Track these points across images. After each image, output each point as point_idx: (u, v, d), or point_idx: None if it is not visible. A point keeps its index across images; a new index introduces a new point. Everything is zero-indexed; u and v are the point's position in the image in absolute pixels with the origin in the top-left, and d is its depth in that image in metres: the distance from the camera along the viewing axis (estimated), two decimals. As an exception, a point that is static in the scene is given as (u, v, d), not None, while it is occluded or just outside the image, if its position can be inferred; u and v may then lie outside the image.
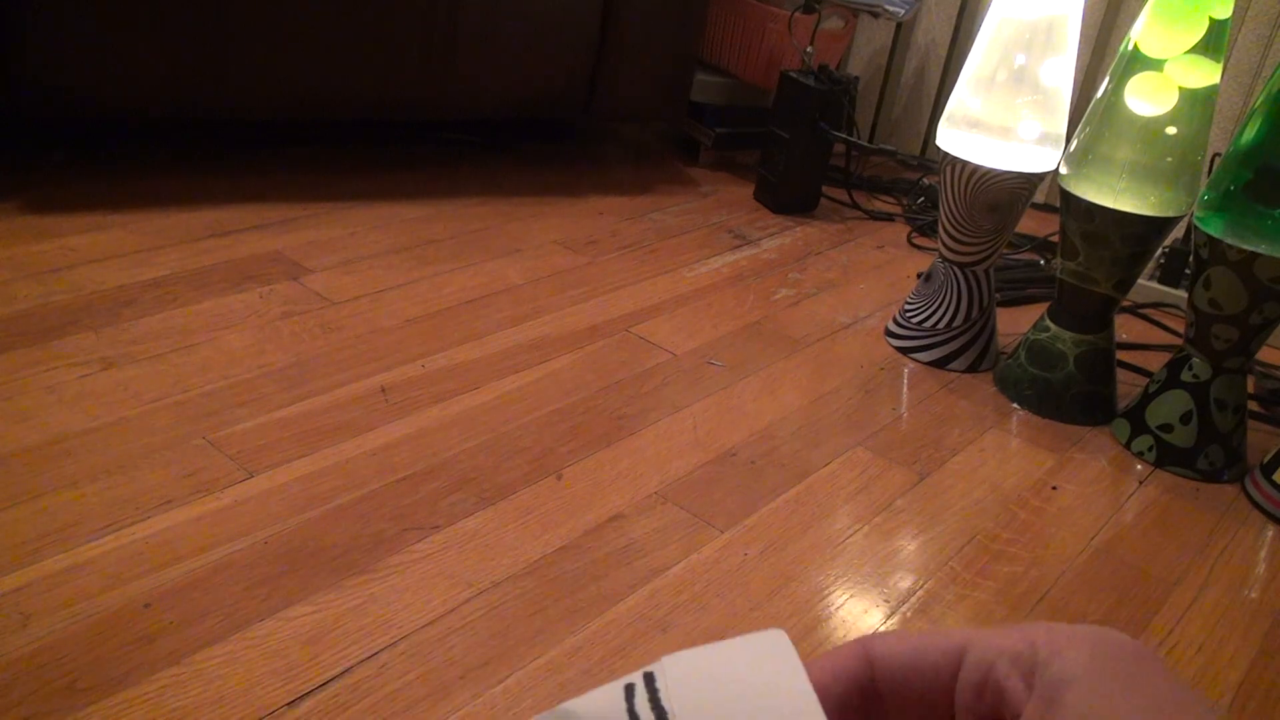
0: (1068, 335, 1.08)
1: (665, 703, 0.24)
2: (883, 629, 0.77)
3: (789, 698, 0.23)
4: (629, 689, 0.24)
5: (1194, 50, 0.95)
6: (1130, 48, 0.99)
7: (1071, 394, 1.08)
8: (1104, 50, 1.63)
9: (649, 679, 0.24)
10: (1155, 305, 1.39)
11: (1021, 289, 1.39)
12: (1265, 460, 1.01)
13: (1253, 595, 0.86)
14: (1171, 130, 0.98)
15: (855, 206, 1.61)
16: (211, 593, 0.70)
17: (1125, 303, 1.37)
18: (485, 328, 1.09)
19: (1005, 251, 1.45)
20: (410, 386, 0.97)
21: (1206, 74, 0.96)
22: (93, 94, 1.17)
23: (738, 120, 1.68)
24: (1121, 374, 1.15)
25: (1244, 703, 0.75)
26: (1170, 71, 0.96)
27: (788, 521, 0.87)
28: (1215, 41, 0.95)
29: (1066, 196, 1.04)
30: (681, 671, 0.24)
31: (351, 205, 1.33)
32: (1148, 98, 0.98)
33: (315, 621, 0.69)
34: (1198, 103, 0.97)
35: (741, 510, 0.87)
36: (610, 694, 0.24)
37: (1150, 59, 0.97)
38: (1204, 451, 1.01)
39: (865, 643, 0.25)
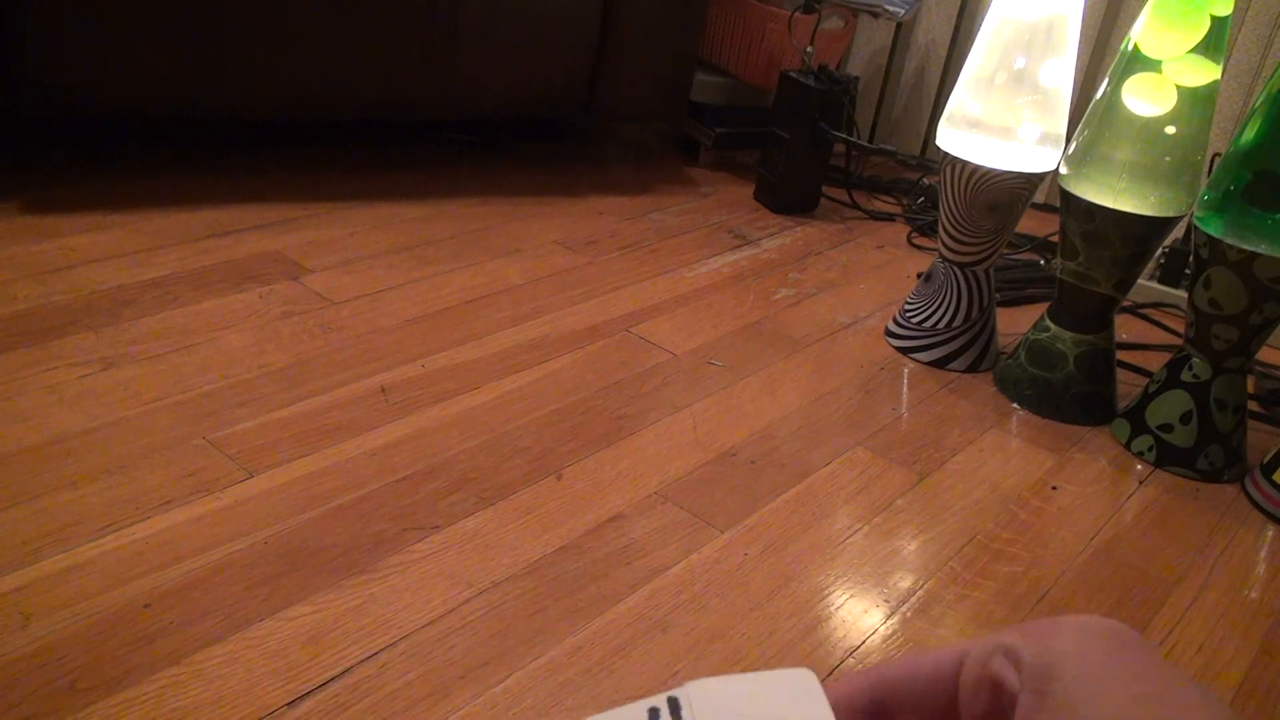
0: (1068, 335, 1.08)
1: None
2: (883, 629, 0.77)
3: None
4: (654, 713, 0.24)
5: (1194, 50, 0.95)
6: (1130, 48, 0.99)
7: (1071, 394, 1.08)
8: (1104, 50, 1.63)
9: (674, 706, 0.24)
10: (1155, 305, 1.39)
11: (1021, 289, 1.39)
12: (1265, 460, 1.01)
13: (1253, 595, 0.86)
14: (1171, 130, 0.98)
15: (855, 206, 1.61)
16: (211, 593, 0.70)
17: (1125, 303, 1.37)
18: (485, 328, 1.09)
19: (1005, 251, 1.45)
20: (410, 386, 0.97)
21: (1205, 73, 0.96)
22: (93, 94, 1.17)
23: (738, 120, 1.68)
24: (1121, 374, 1.15)
25: (1244, 703, 0.75)
26: (1168, 71, 0.96)
27: (788, 521, 0.87)
28: (1215, 40, 0.95)
29: (1066, 196, 1.04)
30: (707, 702, 0.24)
31: (351, 205, 1.33)
32: (1146, 98, 0.98)
33: (315, 621, 0.69)
34: (1197, 102, 0.97)
35: (741, 510, 0.87)
36: (635, 717, 0.24)
37: (1150, 59, 0.97)
38: (1204, 451, 1.01)
39: (871, 668, 0.26)
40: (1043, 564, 0.86)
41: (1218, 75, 0.96)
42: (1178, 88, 0.97)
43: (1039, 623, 0.24)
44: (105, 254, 1.11)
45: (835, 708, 0.25)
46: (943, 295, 1.15)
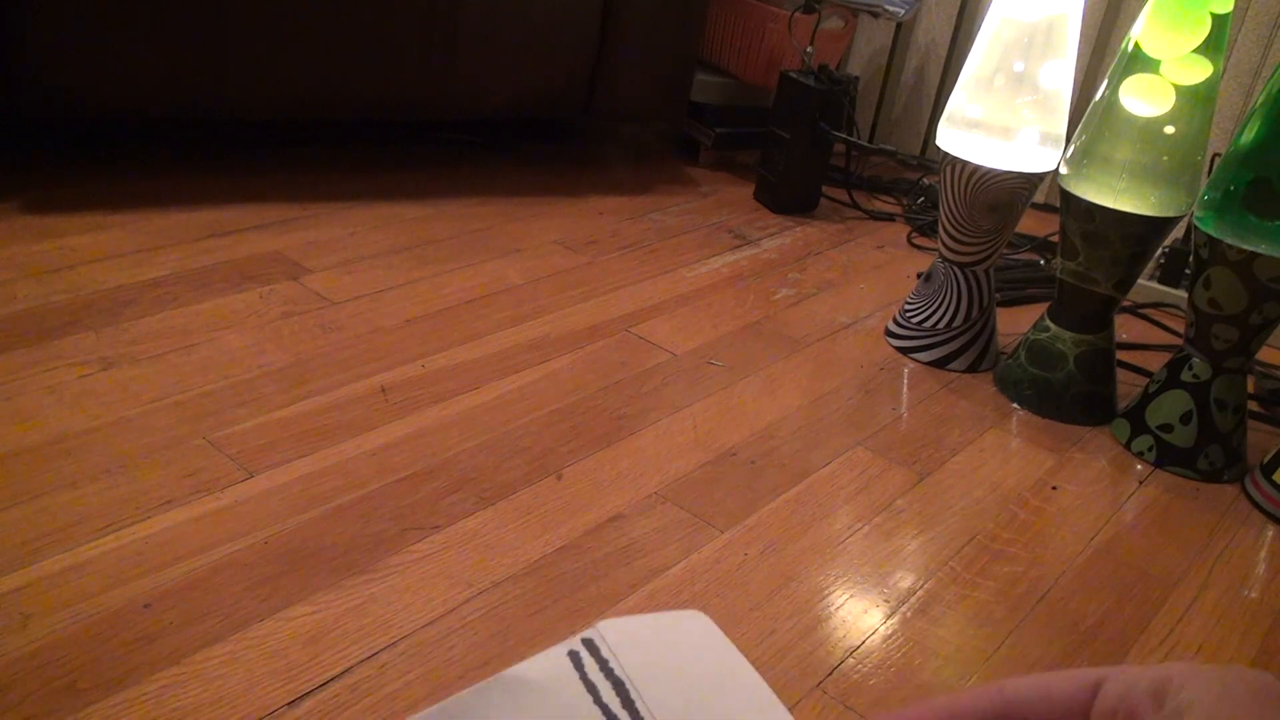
0: (1068, 335, 1.08)
1: (619, 671, 0.24)
2: (883, 629, 0.77)
3: (728, 666, 0.24)
4: (574, 656, 0.25)
5: (1194, 49, 0.95)
6: (1130, 48, 0.99)
7: (1071, 394, 1.08)
8: (1104, 50, 1.63)
9: (590, 646, 0.25)
10: (1155, 305, 1.39)
11: (1021, 289, 1.39)
12: (1265, 460, 1.01)
13: (1253, 595, 0.86)
14: (1170, 130, 0.98)
15: (855, 206, 1.61)
16: (211, 593, 0.70)
17: (1125, 303, 1.37)
18: (485, 328, 1.09)
19: (1005, 251, 1.45)
20: (410, 386, 0.97)
21: (1200, 70, 0.96)
22: (93, 94, 1.17)
23: (738, 120, 1.68)
24: (1121, 374, 1.15)
25: (1244, 703, 0.75)
26: (1166, 71, 0.96)
27: (788, 521, 0.87)
28: (1216, 38, 0.95)
29: (1066, 196, 1.04)
30: (621, 640, 0.25)
31: (351, 205, 1.33)
32: (1144, 98, 0.97)
33: (315, 621, 0.69)
34: (1197, 101, 0.97)
35: (741, 510, 0.87)
36: (556, 661, 0.25)
37: (1149, 59, 0.97)
38: (1204, 451, 1.01)
39: (999, 682, 0.27)
40: (1043, 564, 0.86)
41: (1210, 71, 0.96)
42: (1175, 87, 0.97)
43: (1189, 664, 0.24)
44: (105, 254, 1.11)
45: (959, 715, 0.26)
46: (943, 295, 1.15)
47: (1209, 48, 0.95)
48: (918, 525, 0.89)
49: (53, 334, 0.96)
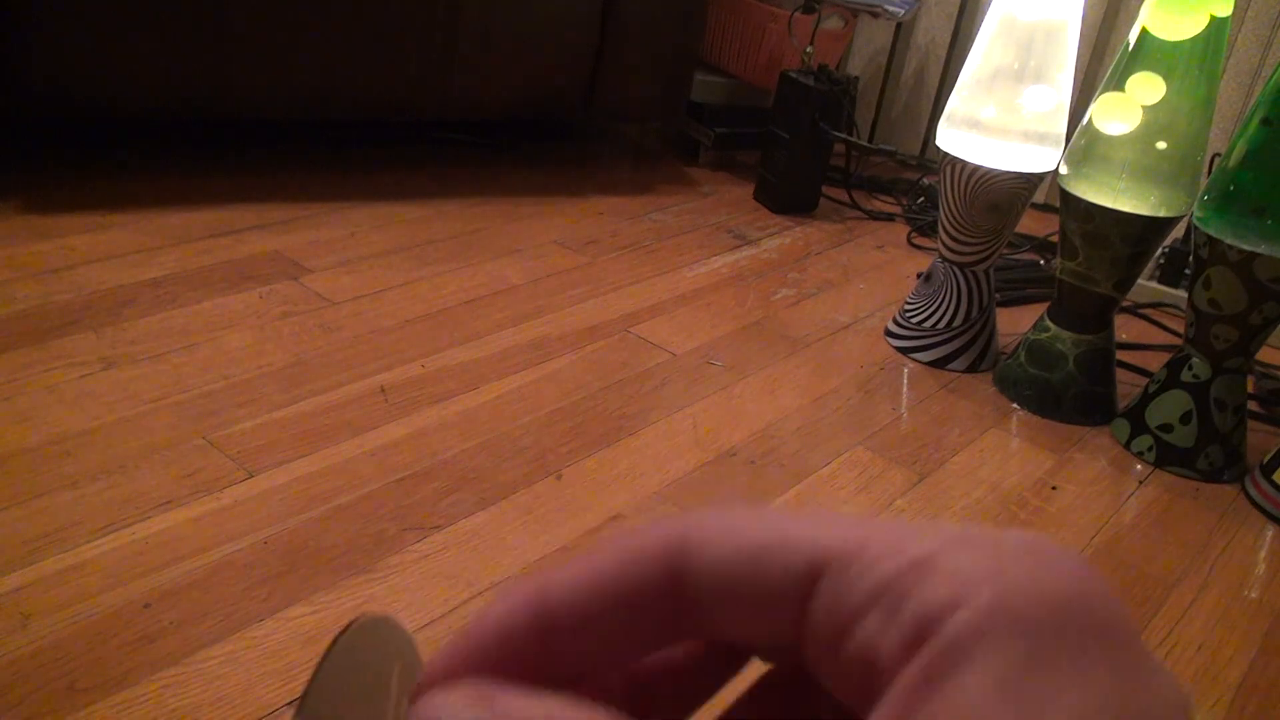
0: (1067, 335, 1.08)
1: None
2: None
3: None
4: None
5: (1188, 47, 0.95)
6: (1129, 50, 0.99)
7: (1071, 394, 1.08)
8: (1104, 50, 1.63)
9: None
10: (1155, 305, 1.39)
11: (1021, 289, 1.39)
12: (1265, 460, 1.01)
13: (1253, 595, 0.86)
14: (1162, 145, 0.98)
15: (855, 206, 1.61)
16: (211, 593, 0.70)
17: (1125, 303, 1.37)
18: (485, 328, 1.09)
19: (1005, 251, 1.45)
20: (410, 386, 0.97)
21: (1155, 90, 0.96)
22: (93, 94, 1.17)
23: (738, 120, 1.68)
24: (1121, 374, 1.15)
25: (1244, 703, 0.75)
26: (1131, 90, 0.97)
27: (788, 521, 0.87)
28: (1215, 40, 0.95)
29: (1066, 196, 1.04)
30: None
31: (351, 205, 1.33)
32: (1114, 117, 0.98)
33: (315, 621, 0.69)
34: (1196, 104, 0.97)
35: (741, 510, 0.87)
36: None
37: (1157, 41, 0.97)
38: (1204, 451, 1.01)
39: (683, 535, 0.17)
40: (1043, 564, 0.86)
41: (1164, 91, 0.96)
42: (1141, 108, 0.97)
43: (954, 548, 0.15)
44: (105, 254, 1.11)
45: (622, 569, 0.18)
46: (943, 295, 1.15)
47: (1207, 46, 0.95)
48: (918, 525, 0.89)
49: (53, 334, 0.96)
